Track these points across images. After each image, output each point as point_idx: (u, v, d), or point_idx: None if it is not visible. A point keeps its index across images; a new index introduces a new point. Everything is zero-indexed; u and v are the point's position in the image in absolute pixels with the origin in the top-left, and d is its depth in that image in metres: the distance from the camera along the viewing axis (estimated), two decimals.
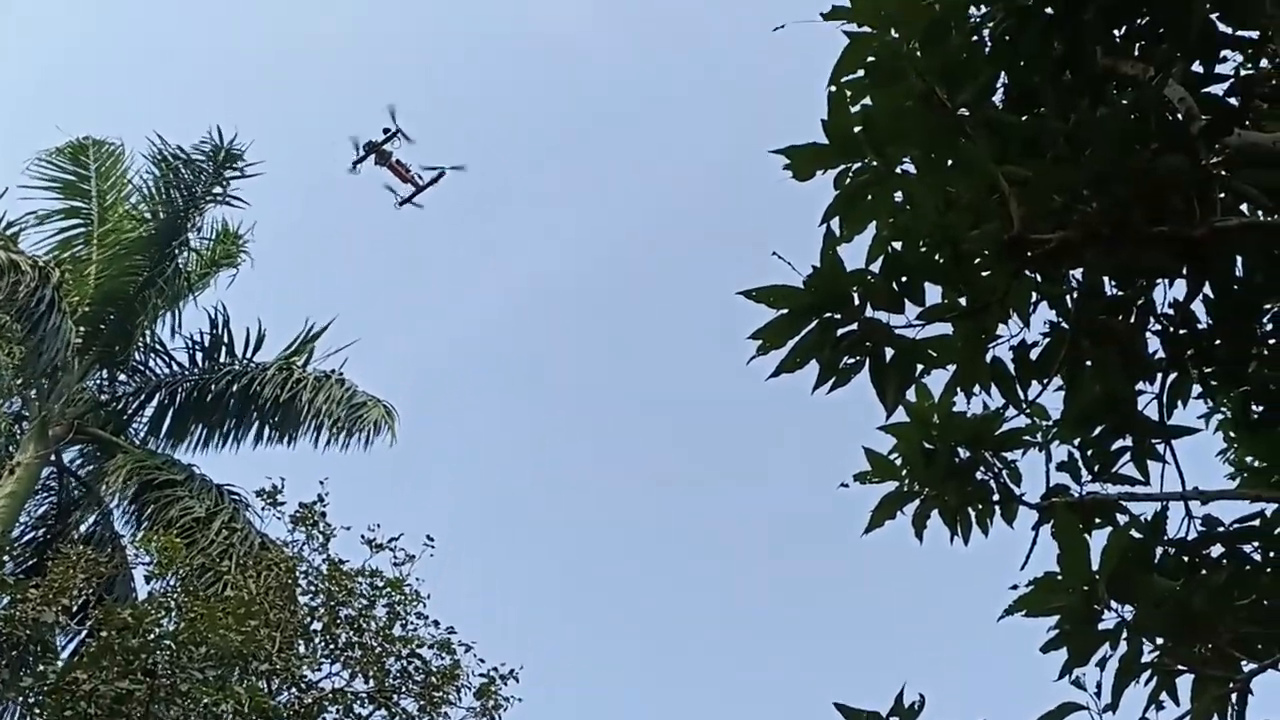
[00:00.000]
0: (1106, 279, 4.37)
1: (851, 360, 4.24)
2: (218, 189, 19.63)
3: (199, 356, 19.57)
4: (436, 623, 14.20)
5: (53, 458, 17.91)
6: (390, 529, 14.58)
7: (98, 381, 19.22)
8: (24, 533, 17.82)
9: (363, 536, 14.43)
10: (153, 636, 11.80)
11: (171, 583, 14.05)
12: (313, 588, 14.03)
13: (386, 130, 29.23)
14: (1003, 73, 4.30)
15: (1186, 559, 4.25)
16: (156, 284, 18.93)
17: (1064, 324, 4.39)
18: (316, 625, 13.77)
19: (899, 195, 4.38)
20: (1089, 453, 4.65)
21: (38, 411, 17.39)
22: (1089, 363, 4.42)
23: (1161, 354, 4.46)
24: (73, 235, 19.44)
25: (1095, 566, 3.87)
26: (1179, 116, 3.97)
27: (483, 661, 14.23)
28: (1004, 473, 4.69)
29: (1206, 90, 4.17)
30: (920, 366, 4.34)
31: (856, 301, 4.19)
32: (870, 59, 4.19)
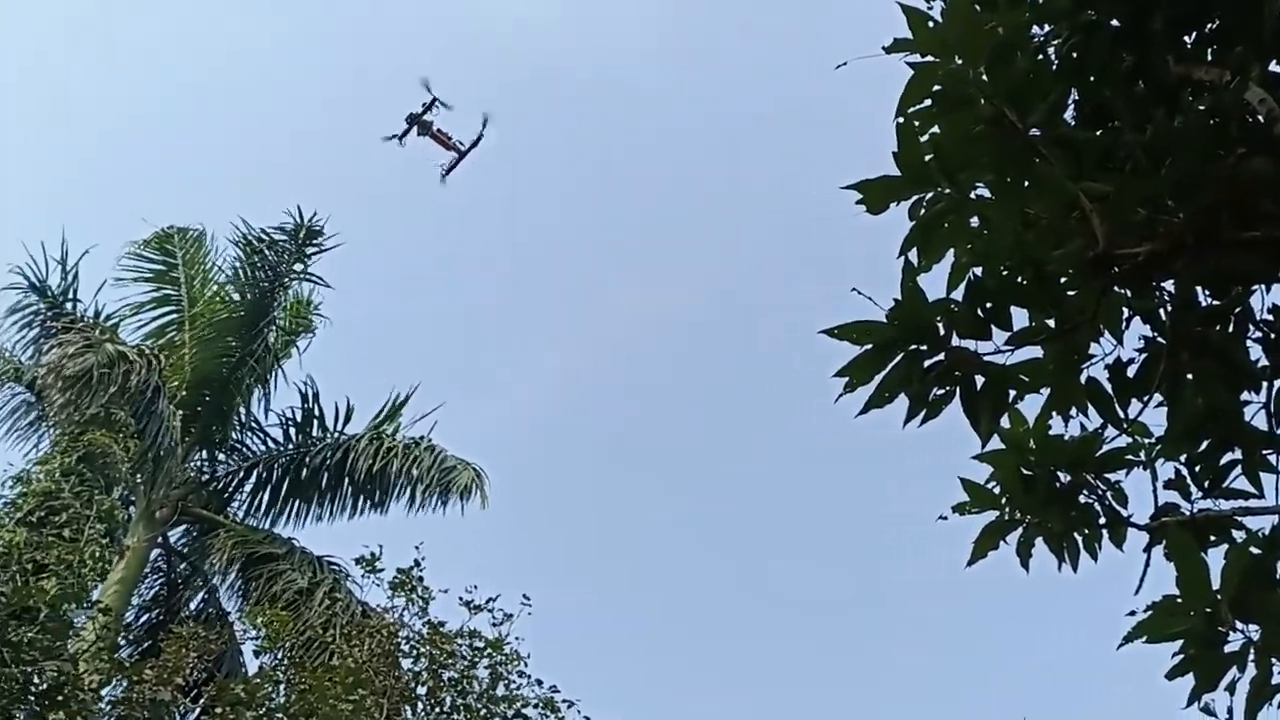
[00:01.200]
0: (1200, 289, 4.26)
1: (941, 391, 4.18)
2: (299, 265, 20.23)
3: (293, 432, 20.05)
4: (539, 681, 14.22)
5: (160, 540, 18.44)
6: (487, 588, 14.71)
7: (198, 462, 19.78)
8: (137, 615, 18.34)
9: (460, 598, 14.57)
10: (265, 711, 12.00)
11: (280, 656, 14.31)
12: (415, 652, 14.17)
13: (425, 104, 28.97)
14: (1073, 89, 4.25)
15: None
16: (248, 364, 19.50)
17: (1159, 338, 4.28)
18: (421, 690, 13.88)
19: (975, 221, 4.33)
20: (1197, 469, 4.50)
21: (144, 495, 17.93)
22: (1189, 376, 4.30)
23: (1264, 362, 4.31)
24: (166, 323, 20.15)
25: (1215, 586, 3.74)
26: (1260, 119, 3.88)
27: (588, 718, 14.20)
28: (1109, 495, 4.56)
29: None
30: (1013, 392, 4.26)
31: (942, 331, 4.14)
32: (936, 87, 4.17)
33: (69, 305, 18.70)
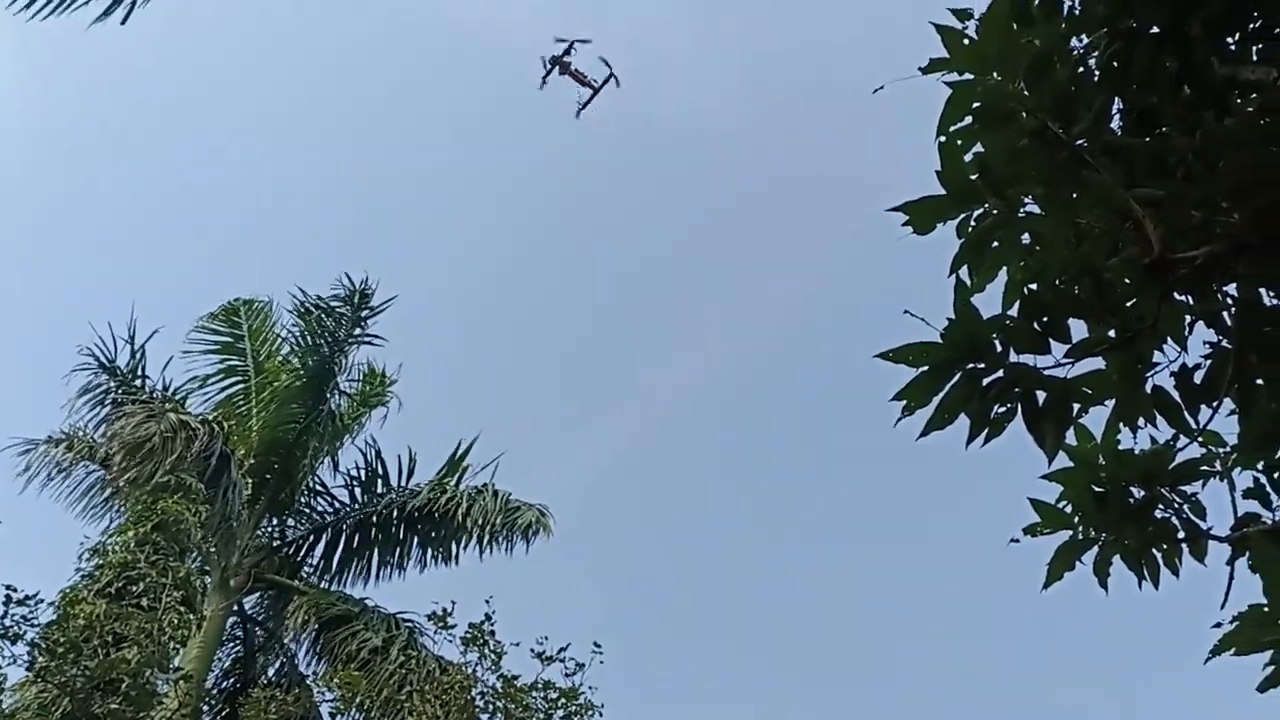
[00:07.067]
0: (1264, 290, 4.15)
1: (1003, 409, 4.11)
2: (358, 330, 20.57)
3: (358, 492, 20.27)
4: None
5: (235, 607, 18.65)
6: (556, 639, 14.66)
7: (269, 528, 20.04)
8: (216, 682, 18.52)
9: (532, 650, 14.53)
10: None
11: (356, 716, 14.35)
12: (490, 707, 14.14)
13: (565, 46, 32.38)
14: (1117, 98, 4.20)
15: None
16: (314, 429, 19.79)
17: (1225, 342, 4.17)
18: None
19: (1026, 237, 4.29)
20: (1276, 475, 4.36)
21: (217, 564, 18.19)
22: (1259, 381, 4.18)
23: None
24: (234, 393, 20.53)
25: None
26: None
27: None
28: (1185, 508, 4.44)
29: None
30: (1077, 406, 4.18)
31: (999, 348, 4.08)
32: (976, 104, 4.15)
33: (138, 382, 19.16)
